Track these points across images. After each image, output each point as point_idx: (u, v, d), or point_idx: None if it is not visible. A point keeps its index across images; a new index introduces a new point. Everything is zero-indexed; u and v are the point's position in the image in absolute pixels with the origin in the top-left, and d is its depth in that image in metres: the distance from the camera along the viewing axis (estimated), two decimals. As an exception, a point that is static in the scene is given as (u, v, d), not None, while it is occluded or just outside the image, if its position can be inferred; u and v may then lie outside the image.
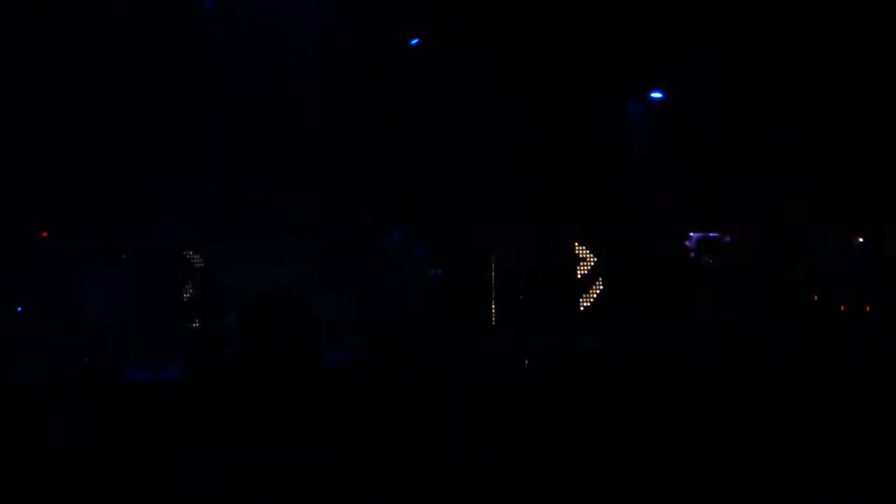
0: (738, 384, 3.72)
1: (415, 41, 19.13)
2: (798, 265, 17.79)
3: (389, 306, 18.48)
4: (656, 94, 20.71)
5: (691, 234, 18.27)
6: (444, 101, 18.78)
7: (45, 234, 16.97)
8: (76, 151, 16.58)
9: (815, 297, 17.47)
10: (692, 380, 3.72)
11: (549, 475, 3.65)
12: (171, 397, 4.92)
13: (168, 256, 17.36)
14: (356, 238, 19.24)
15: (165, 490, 3.54)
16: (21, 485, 3.79)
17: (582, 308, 20.88)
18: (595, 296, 21.00)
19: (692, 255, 17.97)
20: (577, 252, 21.00)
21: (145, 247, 17.55)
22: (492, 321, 19.71)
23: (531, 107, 18.89)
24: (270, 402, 3.72)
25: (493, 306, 19.80)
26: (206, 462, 3.63)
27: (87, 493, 3.79)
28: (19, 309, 16.96)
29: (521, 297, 19.84)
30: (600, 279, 20.92)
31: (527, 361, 10.40)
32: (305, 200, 18.80)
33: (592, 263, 21.05)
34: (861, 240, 18.70)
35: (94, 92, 16.95)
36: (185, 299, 16.16)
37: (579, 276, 21.05)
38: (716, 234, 19.49)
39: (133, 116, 17.20)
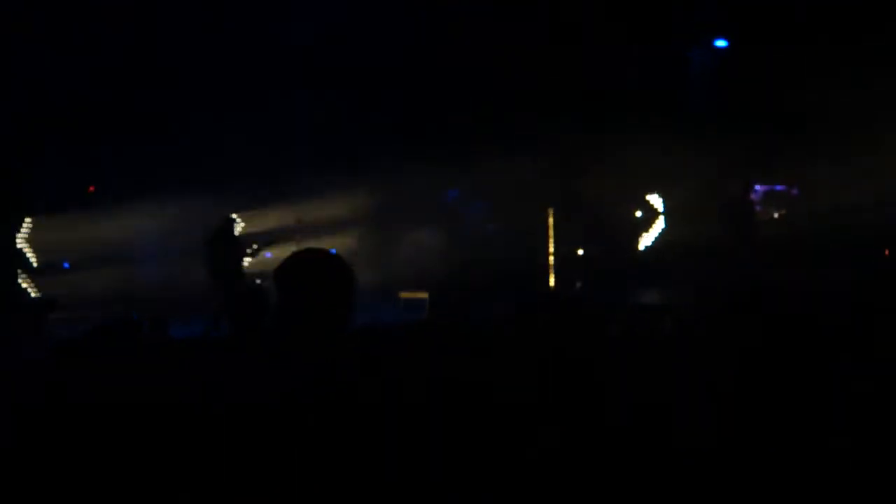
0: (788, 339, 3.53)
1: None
2: (868, 218, 17.05)
3: (446, 263, 18.01)
4: (720, 42, 19.92)
5: (756, 186, 17.60)
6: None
7: (92, 188, 16.76)
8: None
9: (887, 252, 16.75)
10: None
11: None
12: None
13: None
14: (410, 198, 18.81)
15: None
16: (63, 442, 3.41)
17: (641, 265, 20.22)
18: (656, 254, 20.29)
19: (758, 207, 17.34)
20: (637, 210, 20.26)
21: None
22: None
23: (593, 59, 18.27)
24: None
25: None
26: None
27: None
28: (66, 265, 16.78)
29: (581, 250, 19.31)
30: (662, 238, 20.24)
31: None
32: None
33: (655, 222, 20.30)
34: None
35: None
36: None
37: (641, 237, 20.33)
38: (782, 187, 18.82)
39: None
